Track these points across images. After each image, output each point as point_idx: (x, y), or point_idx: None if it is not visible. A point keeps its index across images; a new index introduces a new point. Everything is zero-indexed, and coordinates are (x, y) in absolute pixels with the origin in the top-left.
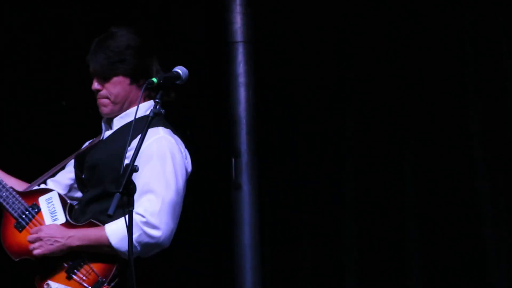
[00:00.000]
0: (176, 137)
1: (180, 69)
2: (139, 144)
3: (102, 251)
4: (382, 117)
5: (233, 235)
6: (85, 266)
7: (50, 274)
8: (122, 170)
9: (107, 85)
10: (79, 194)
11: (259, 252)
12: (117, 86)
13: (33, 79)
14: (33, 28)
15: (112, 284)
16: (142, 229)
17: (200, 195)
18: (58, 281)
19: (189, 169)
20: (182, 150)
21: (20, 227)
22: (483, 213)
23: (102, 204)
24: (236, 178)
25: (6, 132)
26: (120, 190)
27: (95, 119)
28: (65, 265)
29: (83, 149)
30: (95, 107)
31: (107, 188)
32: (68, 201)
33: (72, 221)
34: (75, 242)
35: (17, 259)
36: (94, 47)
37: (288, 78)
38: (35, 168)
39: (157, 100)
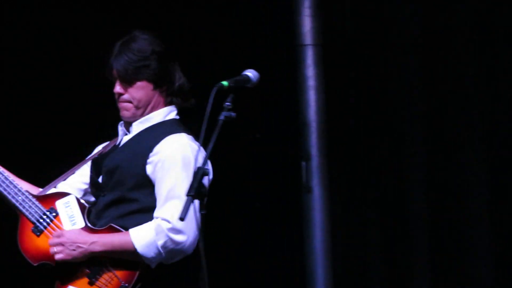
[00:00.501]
0: (198, 144)
1: (250, 72)
2: (210, 148)
3: (125, 257)
4: (453, 119)
5: (304, 238)
6: (107, 272)
7: (71, 279)
8: (193, 173)
9: (130, 89)
10: (91, 199)
11: (330, 255)
12: (140, 90)
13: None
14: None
15: None
16: (168, 235)
17: (271, 199)
18: (79, 287)
19: (211, 176)
20: (204, 157)
21: (38, 232)
22: None
23: (120, 208)
24: (307, 181)
25: (13, 134)
26: (192, 194)
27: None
28: (87, 270)
29: (99, 153)
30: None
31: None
32: (86, 205)
33: (91, 225)
34: (97, 248)
35: (36, 264)
36: (118, 50)
37: (358, 81)
38: (40, 171)
39: (227, 104)
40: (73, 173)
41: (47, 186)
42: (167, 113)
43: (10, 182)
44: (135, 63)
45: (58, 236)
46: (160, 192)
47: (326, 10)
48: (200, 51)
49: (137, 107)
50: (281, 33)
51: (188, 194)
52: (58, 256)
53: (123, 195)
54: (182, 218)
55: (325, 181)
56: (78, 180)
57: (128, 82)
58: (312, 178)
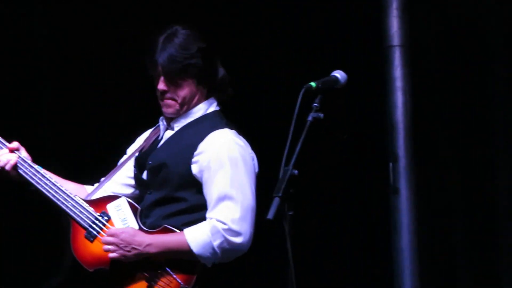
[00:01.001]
0: (242, 138)
1: (339, 73)
2: (298, 149)
3: (181, 258)
4: None
5: (391, 239)
6: (166, 274)
7: (129, 284)
8: (281, 174)
9: (175, 87)
10: (137, 192)
11: (416, 256)
12: (185, 88)
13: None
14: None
15: None
16: (224, 236)
17: (358, 200)
18: None
19: (257, 169)
20: (250, 152)
21: (91, 237)
22: None
23: (167, 207)
24: (394, 182)
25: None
26: (280, 195)
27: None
28: (145, 274)
29: (141, 148)
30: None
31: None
32: (138, 207)
33: (144, 227)
34: (153, 250)
35: (92, 270)
36: (161, 47)
37: (445, 82)
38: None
39: (315, 105)
40: (118, 170)
41: (95, 188)
42: (208, 106)
43: (59, 188)
44: (181, 61)
45: (112, 235)
46: (210, 193)
47: (413, 11)
48: (289, 52)
49: (181, 105)
50: (368, 34)
51: (275, 195)
52: (112, 255)
53: (170, 194)
54: (270, 219)
55: (412, 183)
56: (124, 175)
57: (172, 80)
58: (399, 180)
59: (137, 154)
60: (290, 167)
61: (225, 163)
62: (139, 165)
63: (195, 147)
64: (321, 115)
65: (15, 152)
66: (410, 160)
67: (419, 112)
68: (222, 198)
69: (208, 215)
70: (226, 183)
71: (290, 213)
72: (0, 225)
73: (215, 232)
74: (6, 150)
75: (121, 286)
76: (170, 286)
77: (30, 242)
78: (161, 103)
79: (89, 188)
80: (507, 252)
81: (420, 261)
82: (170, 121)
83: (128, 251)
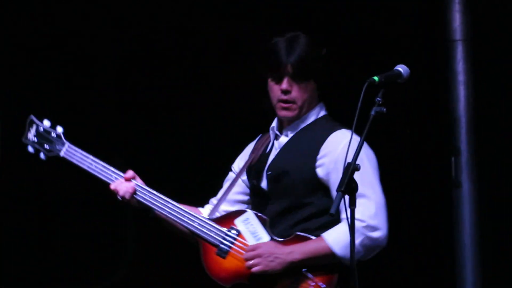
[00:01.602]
0: (359, 136)
1: (401, 68)
2: (360, 143)
3: (323, 262)
4: None
5: (454, 233)
6: (305, 279)
7: None
8: (343, 169)
9: (299, 88)
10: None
11: (479, 250)
12: (308, 91)
13: None
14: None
15: None
16: (364, 234)
17: (420, 194)
18: None
19: None
20: (371, 149)
21: (223, 253)
22: None
23: (295, 214)
24: (456, 176)
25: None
26: (343, 189)
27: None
28: (285, 282)
29: (253, 159)
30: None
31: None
32: (266, 218)
33: (276, 237)
34: (296, 257)
35: (229, 286)
36: (290, 47)
37: (508, 76)
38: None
39: (378, 99)
40: (232, 188)
41: (213, 208)
42: (320, 110)
43: (182, 210)
44: (309, 63)
45: (254, 249)
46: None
47: (475, 5)
48: (353, 48)
49: (300, 108)
50: (431, 28)
51: (338, 190)
52: (256, 269)
53: (296, 201)
54: (332, 214)
55: (474, 176)
56: (233, 191)
57: (299, 80)
58: (461, 173)
59: (247, 167)
60: (353, 161)
61: None
62: (255, 176)
63: (317, 151)
64: (384, 109)
65: (131, 181)
66: (472, 154)
67: (481, 106)
68: (356, 196)
69: (343, 215)
70: (356, 181)
71: (353, 207)
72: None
73: (355, 231)
74: (122, 180)
75: None
76: None
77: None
78: (279, 105)
79: (202, 210)
80: None
81: (482, 255)
82: (282, 128)
83: (271, 261)
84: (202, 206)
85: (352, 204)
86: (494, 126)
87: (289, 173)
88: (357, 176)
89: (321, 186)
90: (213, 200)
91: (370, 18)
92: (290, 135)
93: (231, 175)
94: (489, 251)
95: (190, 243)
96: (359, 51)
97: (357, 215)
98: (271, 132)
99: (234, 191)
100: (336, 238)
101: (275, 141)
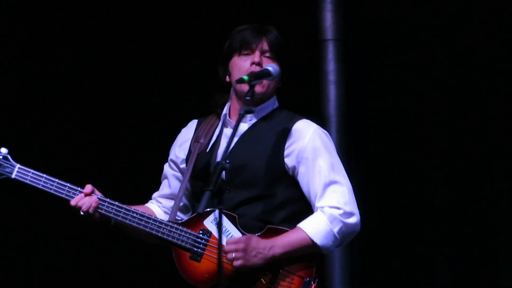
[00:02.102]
0: None
1: (271, 67)
2: (229, 142)
3: (302, 253)
4: None
5: None
6: (285, 273)
7: None
8: (212, 167)
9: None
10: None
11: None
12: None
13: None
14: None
15: (317, 280)
16: (342, 221)
17: None
18: None
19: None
20: None
21: (198, 256)
22: None
23: (255, 207)
24: None
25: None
26: (211, 188)
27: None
28: (265, 279)
29: (200, 147)
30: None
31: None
32: (235, 215)
33: (247, 233)
34: (277, 251)
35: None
36: (263, 28)
37: (378, 76)
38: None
39: (247, 98)
40: (186, 182)
41: (172, 208)
42: (275, 101)
43: (148, 217)
44: (280, 45)
45: (236, 243)
46: (314, 181)
47: (347, 5)
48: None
49: (268, 86)
50: (303, 28)
51: (207, 189)
52: (237, 263)
53: (259, 191)
54: (200, 213)
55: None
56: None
57: (270, 58)
58: None
59: (196, 155)
60: (222, 161)
61: (320, 151)
62: (207, 166)
63: (284, 140)
64: (253, 108)
65: (92, 195)
66: (342, 153)
67: (352, 106)
68: (328, 184)
69: (318, 204)
70: (328, 169)
71: (221, 206)
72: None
73: (332, 219)
74: (82, 195)
75: None
76: (293, 283)
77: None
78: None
79: (155, 210)
80: None
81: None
82: (234, 115)
83: (254, 256)
84: (143, 203)
85: (220, 203)
86: (364, 125)
87: (252, 163)
88: (327, 163)
89: (286, 176)
90: (158, 198)
91: (244, 16)
92: (250, 123)
93: (170, 169)
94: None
95: (150, 244)
96: None
97: (332, 202)
98: (222, 118)
99: (180, 186)
100: (315, 228)
101: (224, 129)
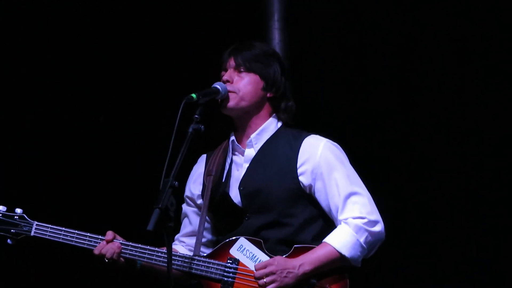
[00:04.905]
0: None
1: (219, 85)
2: (179, 161)
3: (332, 267)
4: None
5: None
6: None
7: None
8: (161, 185)
9: (240, 80)
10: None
11: None
12: (250, 84)
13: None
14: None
15: None
16: (367, 230)
17: None
18: None
19: None
20: None
21: (229, 286)
22: None
23: (277, 231)
24: None
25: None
26: (160, 206)
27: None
28: None
29: (213, 179)
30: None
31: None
32: (260, 240)
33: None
34: (307, 268)
35: None
36: (238, 45)
37: (327, 94)
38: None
39: (196, 116)
40: (204, 218)
41: (196, 245)
42: (277, 121)
43: (174, 255)
44: (255, 56)
45: (265, 266)
46: (333, 196)
47: (295, 23)
48: (174, 63)
49: (241, 98)
50: None
51: (155, 207)
52: (270, 286)
53: (280, 214)
54: (149, 230)
55: None
56: (199, 221)
57: (240, 73)
58: None
59: (211, 188)
60: (171, 178)
61: (334, 164)
62: (224, 196)
63: (295, 159)
64: (202, 126)
65: (114, 241)
66: None
67: (301, 123)
68: (348, 196)
69: (340, 217)
70: (345, 181)
71: (170, 224)
72: None
73: (358, 229)
74: (104, 243)
75: None
76: None
77: None
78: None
79: (177, 247)
80: None
81: None
82: (243, 140)
83: (285, 276)
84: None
85: (169, 221)
86: None
87: (267, 186)
88: (343, 175)
89: (304, 195)
90: (181, 238)
91: (190, 30)
92: (256, 147)
93: (189, 206)
94: None
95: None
96: (182, 67)
97: (354, 213)
98: (230, 145)
99: (200, 221)
100: (341, 241)
101: (233, 156)
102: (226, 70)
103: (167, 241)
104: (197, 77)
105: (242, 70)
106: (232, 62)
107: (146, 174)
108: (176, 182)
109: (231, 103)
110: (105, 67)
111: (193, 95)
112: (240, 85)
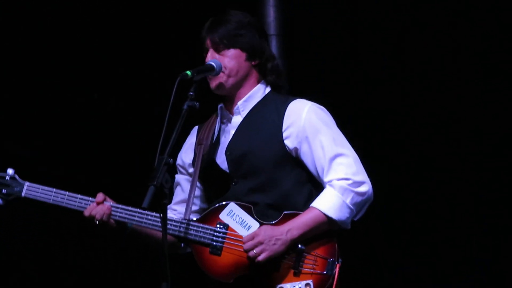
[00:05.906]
0: None
1: (214, 62)
2: (174, 137)
3: (321, 231)
4: None
5: None
6: (308, 255)
7: (277, 279)
8: (156, 162)
9: (223, 58)
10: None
11: None
12: (233, 60)
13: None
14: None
15: (341, 260)
16: (353, 191)
17: None
18: (289, 281)
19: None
20: None
21: (218, 250)
22: None
23: (267, 193)
24: None
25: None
26: (155, 183)
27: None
28: (288, 264)
29: (204, 146)
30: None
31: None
32: (250, 205)
33: (265, 222)
34: (295, 233)
35: (231, 281)
36: (212, 23)
37: (321, 71)
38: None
39: (191, 93)
40: (195, 183)
41: (186, 210)
42: (265, 87)
43: (163, 219)
44: (230, 31)
45: (253, 238)
46: (318, 157)
47: (289, 0)
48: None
49: (228, 76)
50: None
51: (150, 184)
52: (262, 256)
53: (267, 177)
54: (145, 208)
55: None
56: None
57: (221, 51)
58: None
59: (201, 156)
60: (166, 155)
61: (320, 127)
62: (211, 162)
63: (280, 123)
64: (197, 103)
65: (104, 203)
66: None
67: None
68: (333, 158)
69: (326, 179)
70: (330, 143)
71: (165, 201)
72: None
73: (343, 190)
74: (94, 204)
75: (269, 284)
76: (317, 265)
77: None
78: (209, 78)
79: (168, 215)
80: None
81: None
82: (231, 107)
83: (274, 244)
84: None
85: (164, 198)
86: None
87: (253, 151)
88: (328, 138)
89: (291, 159)
90: (173, 206)
91: (182, 12)
92: (243, 113)
93: (181, 174)
94: None
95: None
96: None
97: (340, 175)
98: (219, 112)
99: (190, 189)
100: (327, 203)
101: (222, 125)
102: (207, 50)
103: (162, 218)
104: (192, 54)
105: (221, 48)
106: (210, 42)
107: (141, 150)
108: (171, 159)
109: (220, 82)
110: (99, 45)
111: (188, 72)
112: (225, 62)
